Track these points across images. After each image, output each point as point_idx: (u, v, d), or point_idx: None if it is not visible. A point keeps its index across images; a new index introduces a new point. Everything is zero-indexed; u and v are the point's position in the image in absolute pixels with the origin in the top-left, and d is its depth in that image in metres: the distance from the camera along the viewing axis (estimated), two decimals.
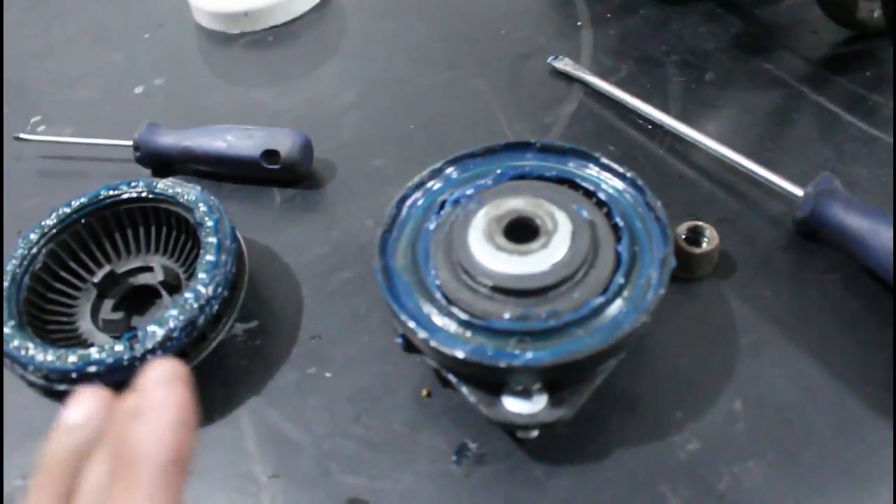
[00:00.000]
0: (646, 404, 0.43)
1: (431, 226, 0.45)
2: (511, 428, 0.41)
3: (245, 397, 0.47)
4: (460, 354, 0.38)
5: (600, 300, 0.40)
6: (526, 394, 0.39)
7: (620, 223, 0.43)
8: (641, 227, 0.44)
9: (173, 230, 0.53)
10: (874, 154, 0.54)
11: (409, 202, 0.47)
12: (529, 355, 0.38)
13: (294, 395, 0.46)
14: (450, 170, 0.48)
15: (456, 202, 0.46)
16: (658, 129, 0.57)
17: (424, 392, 0.45)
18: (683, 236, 0.47)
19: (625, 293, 0.41)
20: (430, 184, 0.48)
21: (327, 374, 0.47)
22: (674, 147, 0.56)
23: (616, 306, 0.40)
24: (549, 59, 0.64)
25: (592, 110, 0.60)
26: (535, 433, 0.41)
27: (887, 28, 0.58)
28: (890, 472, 0.39)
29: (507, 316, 0.40)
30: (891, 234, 0.44)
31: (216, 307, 0.46)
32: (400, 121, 0.62)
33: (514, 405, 0.39)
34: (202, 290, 0.45)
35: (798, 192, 0.48)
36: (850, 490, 0.39)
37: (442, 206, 0.46)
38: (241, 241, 0.51)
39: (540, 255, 0.41)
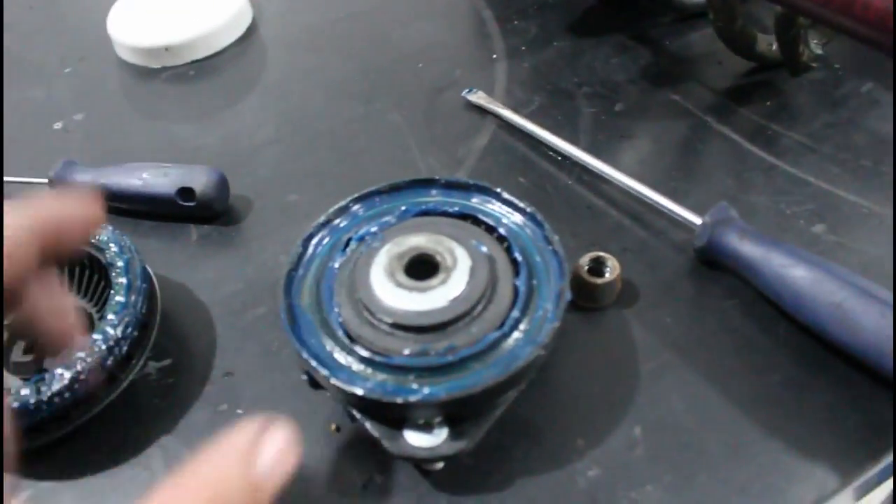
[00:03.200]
0: (548, 433, 0.44)
1: (336, 264, 0.45)
2: (413, 461, 0.42)
3: (157, 436, 0.46)
4: (359, 392, 0.39)
5: (496, 335, 0.41)
6: (427, 427, 0.40)
7: (519, 258, 0.44)
8: (540, 261, 0.45)
9: (86, 269, 0.53)
10: (772, 181, 0.56)
11: (315, 240, 0.47)
12: (426, 391, 0.39)
13: (206, 432, 0.46)
14: (356, 207, 0.49)
15: (361, 239, 0.46)
16: (567, 161, 0.59)
17: (333, 427, 0.46)
18: (586, 267, 0.49)
19: (522, 326, 0.42)
20: (336, 221, 0.48)
21: (238, 411, 0.47)
22: (582, 178, 0.58)
23: (513, 340, 0.41)
24: (464, 93, 0.65)
25: (505, 143, 0.62)
26: (440, 465, 0.42)
27: (784, 60, 0.60)
28: (778, 490, 0.41)
29: (406, 352, 0.40)
30: (780, 261, 0.46)
31: (125, 348, 0.46)
32: (317, 155, 0.63)
33: (415, 439, 0.40)
34: (110, 331, 0.45)
35: (697, 220, 0.50)
36: None
37: (347, 243, 0.46)
38: (154, 281, 0.51)
39: (439, 292, 0.42)
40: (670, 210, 0.52)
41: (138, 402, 0.48)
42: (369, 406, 0.40)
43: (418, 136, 0.63)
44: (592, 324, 0.49)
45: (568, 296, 0.42)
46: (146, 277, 0.50)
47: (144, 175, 0.57)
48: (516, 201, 0.47)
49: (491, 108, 0.63)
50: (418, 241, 0.44)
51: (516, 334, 0.42)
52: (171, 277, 0.55)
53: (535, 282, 0.44)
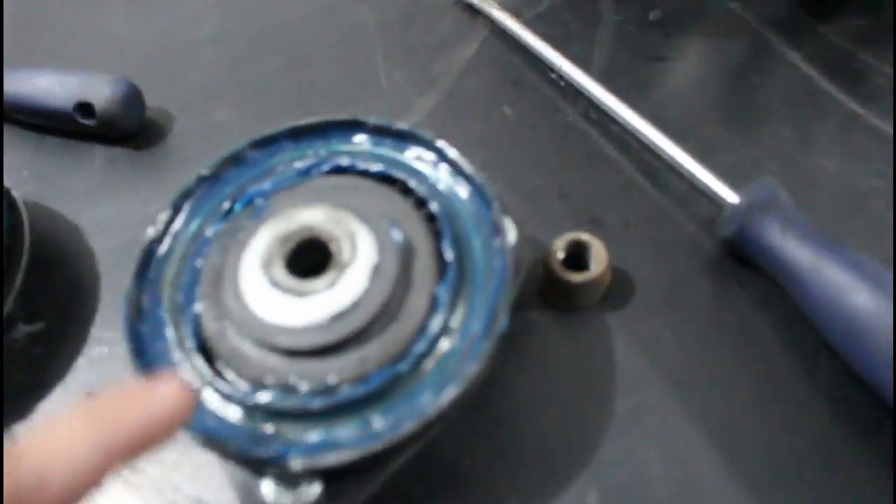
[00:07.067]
0: (475, 485, 0.33)
1: (210, 234, 0.34)
2: None
3: (9, 422, 0.38)
4: (186, 432, 0.28)
5: (394, 371, 0.29)
6: (293, 481, 0.29)
7: (449, 254, 0.32)
8: (482, 259, 0.32)
9: None
10: (849, 139, 0.41)
11: (191, 200, 0.36)
12: (278, 448, 0.28)
13: None
14: (255, 154, 0.37)
15: (249, 203, 0.34)
16: (571, 88, 0.44)
17: None
18: (561, 256, 0.36)
19: (430, 363, 0.30)
20: (225, 173, 0.36)
21: None
22: (588, 114, 0.43)
23: (421, 376, 0.30)
24: None
25: (494, 57, 0.47)
26: None
27: None
28: None
29: (268, 382, 0.29)
30: (835, 278, 0.32)
31: None
32: (260, 61, 0.50)
33: (273, 494, 0.29)
34: None
35: (733, 197, 0.36)
36: None
37: (230, 210, 0.35)
38: (21, 211, 0.41)
39: (324, 298, 0.30)
40: (697, 177, 0.38)
41: None
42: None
43: (387, 40, 0.49)
44: (563, 330, 0.37)
45: (502, 325, 0.30)
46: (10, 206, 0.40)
47: (40, 83, 0.47)
48: (465, 166, 0.34)
49: (484, 9, 0.48)
50: (313, 216, 0.32)
51: (428, 367, 0.30)
52: (65, 215, 0.44)
53: (468, 289, 0.31)
